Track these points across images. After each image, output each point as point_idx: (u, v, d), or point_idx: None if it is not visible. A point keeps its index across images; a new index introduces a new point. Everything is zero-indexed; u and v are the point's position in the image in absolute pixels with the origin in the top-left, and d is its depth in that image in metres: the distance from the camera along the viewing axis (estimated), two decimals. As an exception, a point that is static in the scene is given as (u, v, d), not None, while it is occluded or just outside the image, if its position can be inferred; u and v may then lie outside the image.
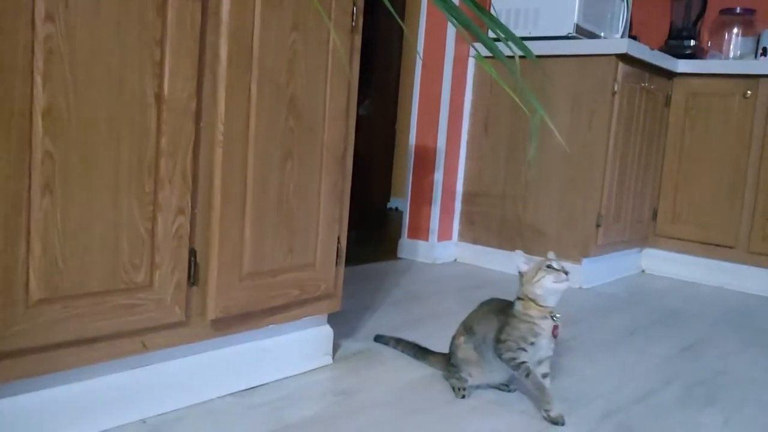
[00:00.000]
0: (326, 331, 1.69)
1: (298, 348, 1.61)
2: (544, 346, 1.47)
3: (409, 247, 3.20)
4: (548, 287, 1.46)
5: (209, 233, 1.34)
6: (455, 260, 3.21)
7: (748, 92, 3.00)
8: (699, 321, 2.44)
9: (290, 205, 1.47)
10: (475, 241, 3.15)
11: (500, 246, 3.05)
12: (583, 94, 2.81)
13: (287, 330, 1.58)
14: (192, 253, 1.31)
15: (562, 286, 1.47)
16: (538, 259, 1.53)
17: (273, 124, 1.41)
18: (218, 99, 1.31)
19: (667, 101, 3.20)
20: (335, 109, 1.54)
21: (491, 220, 3.09)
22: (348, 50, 1.57)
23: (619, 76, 2.76)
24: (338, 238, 1.62)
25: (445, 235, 3.18)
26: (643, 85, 2.96)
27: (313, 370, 1.63)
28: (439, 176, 3.11)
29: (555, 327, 1.48)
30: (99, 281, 1.17)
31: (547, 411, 1.43)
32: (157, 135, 1.22)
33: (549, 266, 1.48)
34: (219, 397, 1.42)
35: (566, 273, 1.49)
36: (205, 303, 1.35)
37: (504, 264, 3.01)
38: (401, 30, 5.08)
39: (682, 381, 1.77)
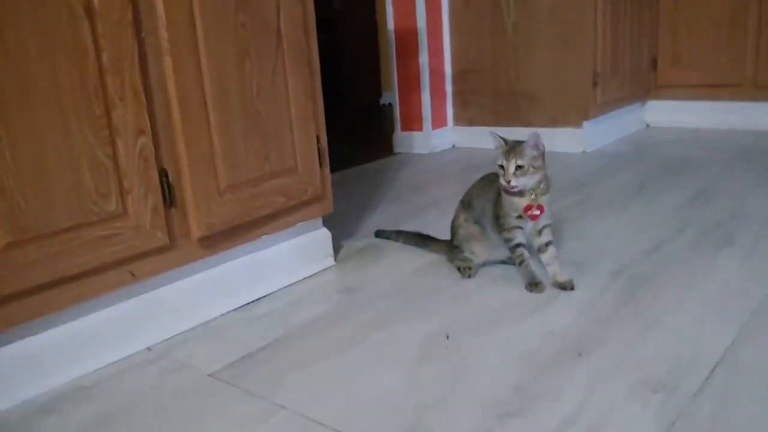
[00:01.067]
0: (323, 234, 1.64)
1: (297, 255, 1.57)
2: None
3: (404, 140, 3.11)
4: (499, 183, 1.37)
5: (176, 150, 1.26)
6: (453, 146, 3.13)
7: None
8: (710, 166, 2.37)
9: (257, 108, 1.38)
10: (471, 123, 3.05)
11: (497, 123, 2.95)
12: (563, -55, 2.62)
13: (282, 238, 1.53)
14: (163, 173, 1.25)
15: (507, 187, 1.35)
16: (527, 132, 1.42)
17: (221, 22, 1.30)
18: (156, 2, 1.20)
19: (655, -61, 2.99)
20: (289, -3, 1.42)
21: (484, 97, 2.98)
22: (292, -71, 1.43)
23: None
24: (317, 138, 1.54)
25: (439, 122, 3.08)
26: (626, -76, 2.74)
27: (316, 273, 1.60)
28: (424, 59, 2.97)
29: (527, 206, 1.37)
30: (68, 216, 1.11)
31: (533, 286, 1.39)
32: (96, 51, 1.12)
33: (507, 154, 1.33)
34: (222, 315, 1.39)
35: (510, 182, 1.32)
36: (188, 223, 1.29)
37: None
38: None
39: (696, 226, 1.72)
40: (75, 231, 1.12)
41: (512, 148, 1.35)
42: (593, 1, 2.61)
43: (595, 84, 2.68)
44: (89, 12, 1.11)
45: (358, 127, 4.05)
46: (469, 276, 1.50)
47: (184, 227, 1.29)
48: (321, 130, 1.56)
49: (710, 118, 3.05)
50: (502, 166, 1.34)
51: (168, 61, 1.22)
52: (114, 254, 1.18)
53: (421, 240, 1.72)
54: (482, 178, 1.54)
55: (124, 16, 1.15)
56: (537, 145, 1.34)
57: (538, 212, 1.38)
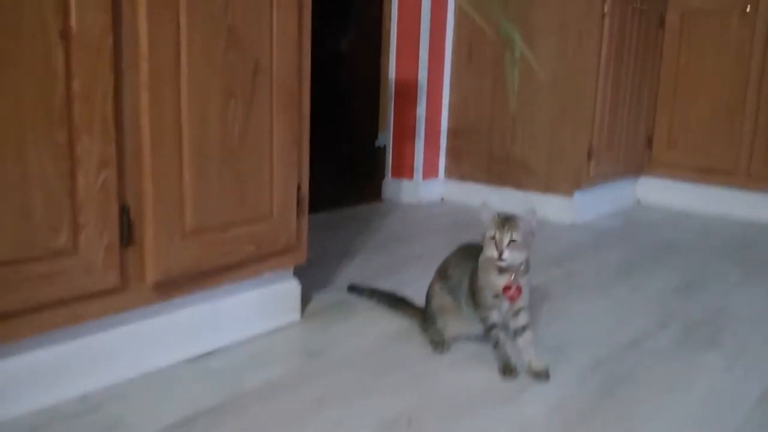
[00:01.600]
0: (292, 286, 1.55)
1: (261, 306, 1.48)
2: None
3: (393, 186, 3.04)
4: (486, 255, 1.29)
5: (142, 186, 1.18)
6: (442, 199, 3.07)
7: (748, 8, 2.78)
8: (698, 254, 2.31)
9: (237, 150, 1.31)
10: (463, 178, 3.00)
11: (489, 182, 2.89)
12: (571, 16, 2.60)
13: (247, 288, 1.44)
14: (124, 210, 1.16)
15: (498, 263, 1.28)
16: (521, 206, 1.35)
17: (209, 60, 1.23)
18: (140, 33, 1.13)
19: (661, 21, 2.99)
20: (284, 39, 1.36)
21: (478, 155, 2.93)
22: (296, -30, 1.38)
23: (609, -5, 2.55)
24: (298, 185, 1.46)
25: (430, 172, 3.02)
26: (634, 5, 2.74)
27: (279, 328, 1.50)
28: (421, 111, 2.93)
29: (506, 288, 1.30)
30: (9, 249, 1.02)
31: (507, 371, 1.31)
32: (67, 77, 1.05)
33: (501, 226, 1.27)
34: (171, 365, 1.29)
35: (501, 255, 1.25)
36: (144, 265, 1.20)
37: (493, 201, 2.83)
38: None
39: (681, 321, 1.65)
40: (14, 266, 1.02)
41: (506, 220, 1.28)
42: (595, 76, 2.59)
43: (589, 156, 2.64)
44: (65, 37, 1.03)
45: (352, 167, 3.98)
46: (442, 352, 1.42)
47: (139, 269, 1.20)
48: (303, 178, 1.49)
49: (702, 202, 3.01)
50: (493, 238, 1.27)
51: (145, 95, 1.15)
52: (57, 293, 1.08)
53: (395, 303, 1.63)
54: (462, 248, 1.47)
55: (103, 45, 1.08)
56: (531, 223, 1.29)
57: (517, 294, 1.31)
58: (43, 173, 1.04)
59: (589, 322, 1.62)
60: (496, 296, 1.31)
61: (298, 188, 1.46)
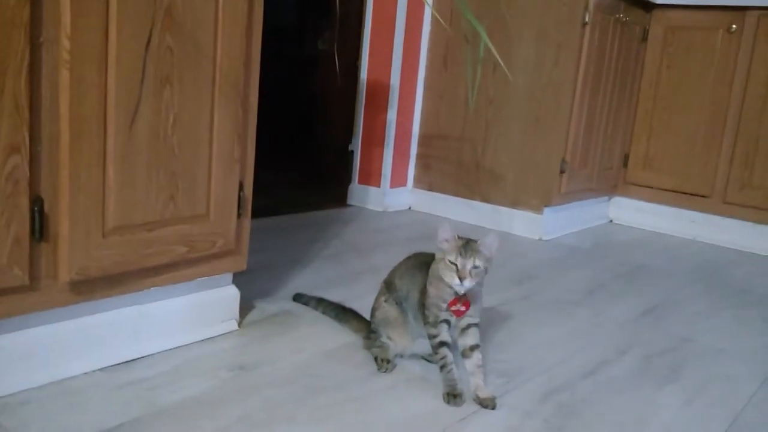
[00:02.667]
0: (231, 293, 1.44)
1: (194, 313, 1.37)
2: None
3: (359, 193, 2.94)
4: (445, 280, 1.21)
5: (59, 177, 1.07)
6: (410, 208, 2.97)
7: (734, 26, 2.72)
8: (666, 278, 2.24)
9: (170, 142, 1.20)
10: (431, 188, 2.90)
11: (457, 193, 2.80)
12: (550, 26, 2.52)
13: (177, 292, 1.33)
14: (37, 201, 1.05)
15: (457, 288, 1.20)
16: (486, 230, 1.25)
17: (142, 41, 1.12)
18: (62, 7, 1.02)
19: (644, 36, 2.92)
20: (232, 25, 1.26)
21: (448, 165, 2.84)
22: (249, -48, 1.27)
23: (591, 6, 2.47)
24: (240, 184, 1.36)
25: (398, 180, 2.93)
26: (617, 16, 2.67)
27: (213, 338, 1.39)
28: (392, 116, 2.83)
29: (454, 300, 1.21)
30: None
31: (452, 397, 1.21)
32: (-27, 49, 0.94)
33: (464, 251, 1.19)
34: (84, 374, 1.18)
35: (462, 282, 1.17)
36: (57, 262, 1.09)
37: (461, 213, 2.77)
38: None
39: (641, 350, 1.57)
40: None
41: (467, 244, 1.20)
42: (572, 89, 2.51)
43: (562, 171, 2.56)
44: (-28, 4, 0.92)
45: (322, 170, 3.88)
46: (386, 370, 1.32)
47: (52, 267, 1.09)
48: (246, 176, 1.38)
49: (674, 224, 2.95)
50: (454, 263, 1.18)
51: (65, 75, 1.04)
52: (-49, 290, 0.97)
53: (342, 314, 1.53)
54: (411, 257, 1.38)
55: (18, 16, 0.97)
56: (492, 247, 1.21)
57: (463, 308, 1.22)
58: (-63, 155, 0.92)
59: (545, 347, 1.53)
60: (447, 311, 1.22)
61: (240, 187, 1.36)
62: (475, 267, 1.18)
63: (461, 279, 1.18)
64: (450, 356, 1.25)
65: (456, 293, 1.21)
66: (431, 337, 1.26)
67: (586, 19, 2.47)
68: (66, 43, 1.03)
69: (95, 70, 1.07)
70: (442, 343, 1.25)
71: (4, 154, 0.99)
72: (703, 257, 2.59)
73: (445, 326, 1.24)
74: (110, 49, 1.08)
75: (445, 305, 1.22)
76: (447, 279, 1.20)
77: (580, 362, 1.46)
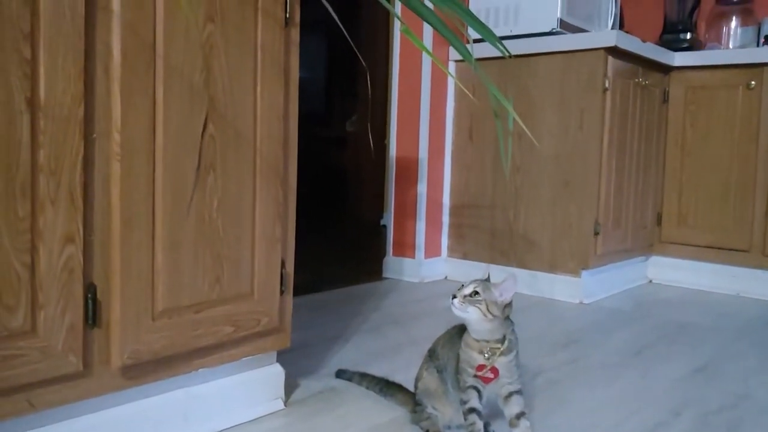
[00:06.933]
0: (276, 371, 1.45)
1: (240, 393, 1.38)
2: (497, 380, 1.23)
3: (394, 265, 2.96)
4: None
5: (110, 264, 1.11)
6: (445, 278, 2.97)
7: (752, 82, 2.76)
8: (713, 335, 2.19)
9: (214, 226, 1.24)
10: (466, 256, 2.91)
11: (492, 260, 2.81)
12: (572, 93, 2.58)
13: (225, 372, 1.35)
14: (90, 288, 1.09)
15: (450, 305, 1.21)
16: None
17: (187, 132, 1.19)
18: (113, 103, 1.09)
19: (665, 97, 2.97)
20: (269, 112, 1.33)
21: (482, 233, 2.86)
22: (282, 45, 1.35)
23: (610, 72, 2.54)
24: (282, 262, 1.39)
25: (433, 251, 2.95)
26: (637, 80, 2.73)
27: (260, 418, 1.39)
28: (423, 188, 2.88)
29: (480, 366, 1.20)
30: (-42, 330, 0.94)
31: None
32: (32, 148, 1.00)
33: (475, 280, 1.23)
34: (137, 459, 1.19)
35: (453, 298, 1.20)
36: (109, 348, 1.12)
37: (498, 280, 2.75)
38: (388, 37, 4.90)
39: (696, 410, 1.52)
40: (-37, 348, 0.95)
41: (479, 280, 1.23)
42: (598, 152, 2.55)
43: (596, 233, 2.56)
44: (32, 105, 0.99)
45: (356, 245, 3.92)
46: (434, 444, 1.30)
47: (105, 352, 1.12)
48: (288, 255, 1.41)
49: (715, 281, 2.90)
50: (459, 289, 1.22)
51: (116, 167, 1.10)
52: (10, 379, 1.00)
53: (386, 388, 1.52)
54: (455, 327, 1.38)
55: (73, 114, 1.04)
56: (507, 288, 1.21)
57: (491, 375, 1.21)
58: (0, 247, 0.97)
59: (594, 411, 1.50)
60: (476, 376, 1.21)
61: (282, 265, 1.39)
62: (475, 293, 1.19)
63: (454, 297, 1.19)
64: (479, 423, 1.22)
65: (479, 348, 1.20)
66: (462, 403, 1.24)
67: (606, 85, 2.53)
68: (117, 137, 1.10)
69: (144, 161, 1.13)
70: (472, 410, 1.23)
71: (60, 244, 1.04)
72: (749, 312, 2.53)
73: (474, 393, 1.23)
74: (157, 141, 1.15)
75: (472, 371, 1.22)
76: (447, 303, 1.21)
77: (635, 425, 1.42)
